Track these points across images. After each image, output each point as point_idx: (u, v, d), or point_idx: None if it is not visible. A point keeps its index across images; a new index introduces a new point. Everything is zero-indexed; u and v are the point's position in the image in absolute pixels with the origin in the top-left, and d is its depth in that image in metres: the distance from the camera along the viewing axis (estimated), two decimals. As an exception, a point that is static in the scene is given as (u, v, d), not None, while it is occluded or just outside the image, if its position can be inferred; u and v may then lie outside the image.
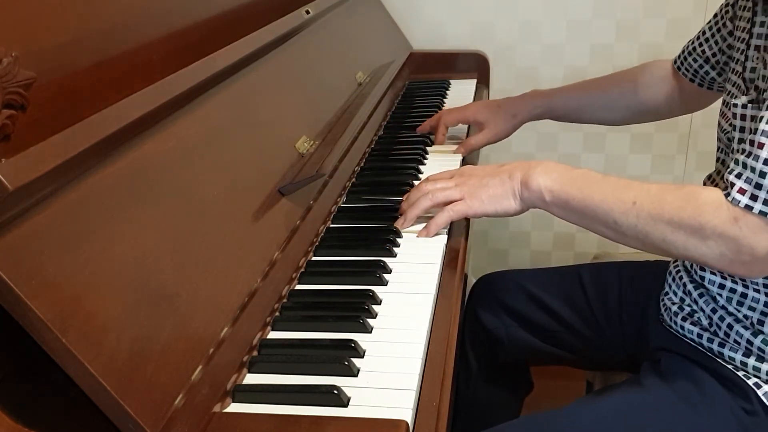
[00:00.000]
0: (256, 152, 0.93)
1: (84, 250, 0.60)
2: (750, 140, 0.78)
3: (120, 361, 0.58)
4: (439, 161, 1.23)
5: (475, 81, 1.70)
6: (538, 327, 1.19)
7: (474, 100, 1.57)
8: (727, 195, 0.78)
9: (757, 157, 0.76)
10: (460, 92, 1.63)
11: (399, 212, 1.01)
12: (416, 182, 1.15)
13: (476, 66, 1.75)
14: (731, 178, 0.78)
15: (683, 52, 1.16)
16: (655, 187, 0.84)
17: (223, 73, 0.92)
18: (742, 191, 0.76)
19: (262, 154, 0.95)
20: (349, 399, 0.67)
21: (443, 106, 1.52)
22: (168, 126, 0.78)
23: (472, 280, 1.33)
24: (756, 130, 0.77)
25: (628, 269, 1.17)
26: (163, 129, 0.77)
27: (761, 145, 0.75)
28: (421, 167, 1.21)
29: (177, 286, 0.68)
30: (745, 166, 0.77)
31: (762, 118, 0.77)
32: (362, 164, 1.22)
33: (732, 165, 0.80)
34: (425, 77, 1.73)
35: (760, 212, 0.75)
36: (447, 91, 1.63)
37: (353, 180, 1.17)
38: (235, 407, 0.68)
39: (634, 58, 1.75)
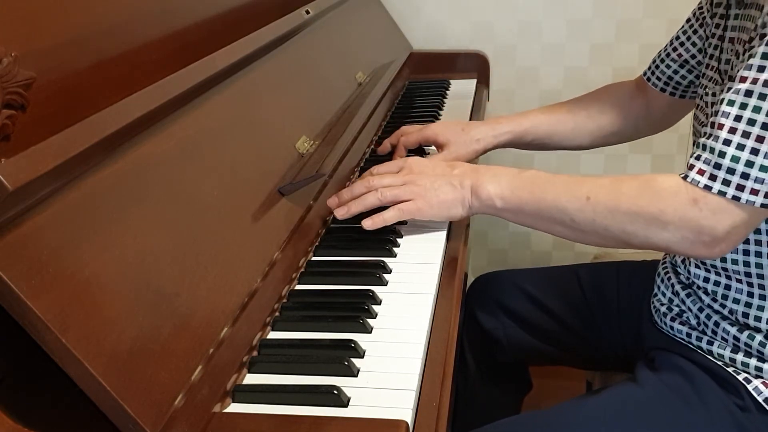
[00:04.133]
0: (256, 152, 0.93)
1: (84, 250, 0.60)
2: (711, 122, 0.79)
3: (120, 361, 0.58)
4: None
5: (475, 81, 1.70)
6: (536, 327, 1.19)
7: (474, 99, 1.57)
8: (686, 177, 0.79)
9: (717, 138, 0.77)
10: (460, 92, 1.63)
11: (337, 196, 0.99)
12: (416, 182, 1.16)
13: (476, 66, 1.75)
14: (691, 160, 0.79)
15: (653, 63, 1.15)
16: (608, 180, 0.85)
17: (223, 73, 0.92)
18: (701, 172, 0.78)
19: (262, 154, 0.94)
20: (349, 399, 0.67)
21: (443, 106, 1.52)
22: (168, 126, 0.78)
23: (471, 280, 1.33)
24: (718, 112, 0.78)
25: (626, 269, 1.17)
26: (163, 129, 0.77)
27: (721, 126, 0.77)
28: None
29: (177, 286, 0.68)
30: (704, 147, 0.78)
31: (723, 100, 0.78)
32: (362, 164, 1.22)
33: (693, 149, 0.81)
34: (425, 77, 1.73)
35: (719, 192, 0.76)
36: (447, 91, 1.63)
37: (353, 180, 1.17)
38: (235, 407, 0.68)
39: (634, 58, 1.75)
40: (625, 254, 1.29)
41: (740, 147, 0.75)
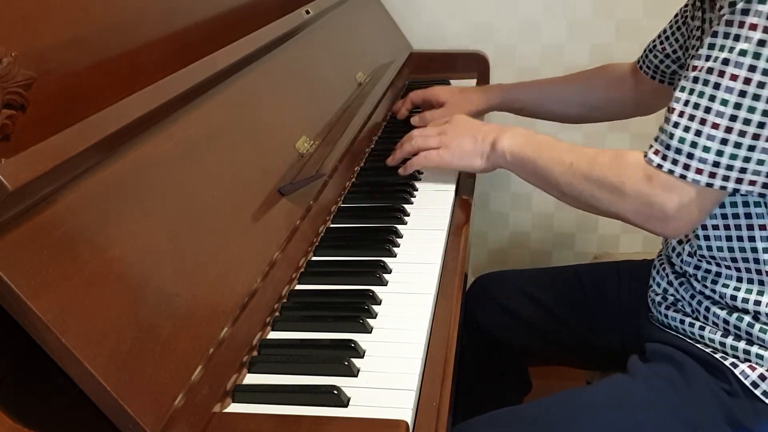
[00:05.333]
0: (256, 152, 0.93)
1: (84, 250, 0.60)
2: (667, 107, 0.85)
3: (120, 361, 0.58)
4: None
5: (475, 81, 1.69)
6: (537, 327, 1.19)
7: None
8: (645, 156, 0.86)
9: (668, 121, 0.83)
10: (460, 92, 1.62)
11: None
12: (416, 182, 1.16)
13: (476, 66, 1.75)
14: (651, 141, 0.86)
15: (644, 52, 1.23)
16: (592, 151, 0.93)
17: (223, 73, 0.92)
18: (656, 152, 0.84)
19: (262, 154, 0.94)
20: (349, 399, 0.67)
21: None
22: (168, 126, 0.78)
23: (471, 280, 1.33)
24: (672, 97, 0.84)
25: (626, 268, 1.17)
26: (163, 129, 0.77)
27: (672, 110, 0.83)
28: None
29: (177, 286, 0.68)
30: (661, 130, 0.85)
31: (676, 86, 0.84)
32: (362, 164, 1.22)
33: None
34: (425, 77, 1.73)
35: (669, 171, 0.83)
36: (447, 91, 1.62)
37: (353, 180, 1.17)
38: (235, 407, 0.68)
39: (634, 58, 1.74)
40: (625, 254, 1.29)
41: (686, 129, 0.81)
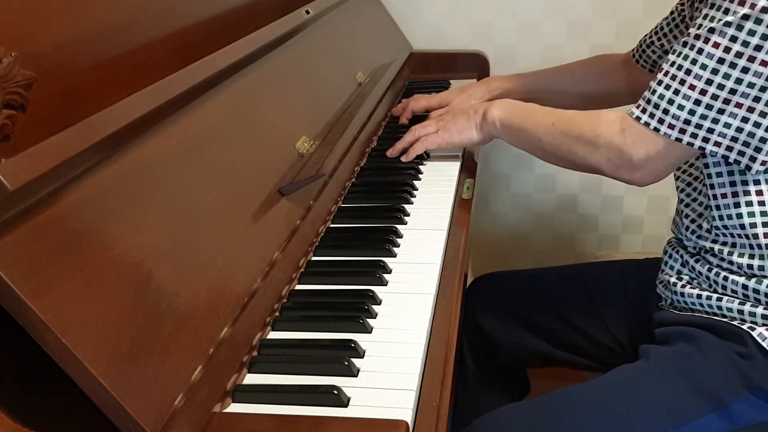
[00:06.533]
0: (256, 152, 0.93)
1: (84, 250, 0.60)
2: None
3: (120, 361, 0.58)
4: (438, 162, 1.23)
5: (475, 81, 1.69)
6: (538, 328, 1.19)
7: (474, 99, 1.58)
8: (630, 111, 0.92)
9: (655, 78, 0.90)
10: (460, 92, 1.62)
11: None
12: (416, 182, 1.16)
13: (476, 66, 1.75)
14: (639, 100, 0.92)
15: (640, 45, 1.25)
16: (572, 112, 1.02)
17: (223, 73, 0.92)
18: (638, 106, 0.91)
19: (262, 154, 0.95)
20: (349, 399, 0.67)
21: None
22: (168, 126, 0.78)
23: (471, 281, 1.33)
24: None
25: (630, 267, 1.17)
26: (163, 129, 0.77)
27: (660, 70, 0.90)
28: (420, 167, 1.21)
29: (177, 286, 0.68)
30: (648, 87, 0.91)
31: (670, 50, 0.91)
32: (362, 164, 1.23)
33: None
34: (425, 77, 1.73)
35: (645, 123, 0.90)
36: (447, 91, 1.62)
37: (353, 180, 1.17)
38: (235, 407, 0.68)
39: (634, 58, 1.75)
40: (626, 254, 1.29)
41: (667, 87, 0.88)
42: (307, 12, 1.25)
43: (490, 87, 1.39)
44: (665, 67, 0.89)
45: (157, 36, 0.88)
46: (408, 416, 0.65)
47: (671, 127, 0.88)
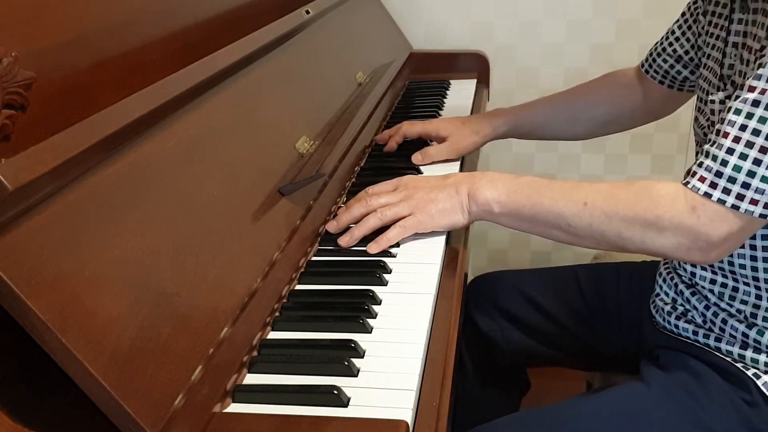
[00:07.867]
0: (256, 152, 0.93)
1: (84, 250, 0.60)
2: (716, 130, 0.79)
3: (120, 361, 0.58)
4: (438, 163, 1.23)
5: (475, 81, 1.69)
6: (535, 329, 1.19)
7: (474, 100, 1.57)
8: (687, 183, 0.80)
9: (720, 146, 0.77)
10: (460, 92, 1.63)
11: (336, 220, 0.97)
12: (416, 182, 1.16)
13: (476, 66, 1.75)
14: (694, 167, 0.80)
15: (650, 55, 1.17)
16: (605, 186, 0.86)
17: (223, 73, 0.92)
18: (702, 179, 0.78)
19: (262, 154, 0.94)
20: (349, 399, 0.67)
21: (443, 106, 1.52)
22: (168, 126, 0.78)
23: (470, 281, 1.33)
24: (723, 120, 0.78)
25: (626, 269, 1.17)
26: (163, 129, 0.77)
27: (726, 135, 0.77)
28: (420, 167, 1.21)
29: (177, 286, 0.68)
30: (707, 155, 0.79)
31: (730, 108, 0.78)
32: (362, 164, 1.22)
33: (697, 156, 0.82)
34: (425, 77, 1.73)
35: (719, 200, 0.77)
36: (447, 91, 1.63)
37: (353, 180, 1.17)
38: (235, 407, 0.68)
39: (634, 58, 1.73)
40: (626, 256, 1.29)
41: (743, 156, 0.76)
42: (307, 12, 1.25)
43: (494, 124, 1.24)
44: (733, 131, 0.76)
45: (157, 36, 0.88)
46: (408, 416, 0.65)
47: (754, 202, 0.76)
